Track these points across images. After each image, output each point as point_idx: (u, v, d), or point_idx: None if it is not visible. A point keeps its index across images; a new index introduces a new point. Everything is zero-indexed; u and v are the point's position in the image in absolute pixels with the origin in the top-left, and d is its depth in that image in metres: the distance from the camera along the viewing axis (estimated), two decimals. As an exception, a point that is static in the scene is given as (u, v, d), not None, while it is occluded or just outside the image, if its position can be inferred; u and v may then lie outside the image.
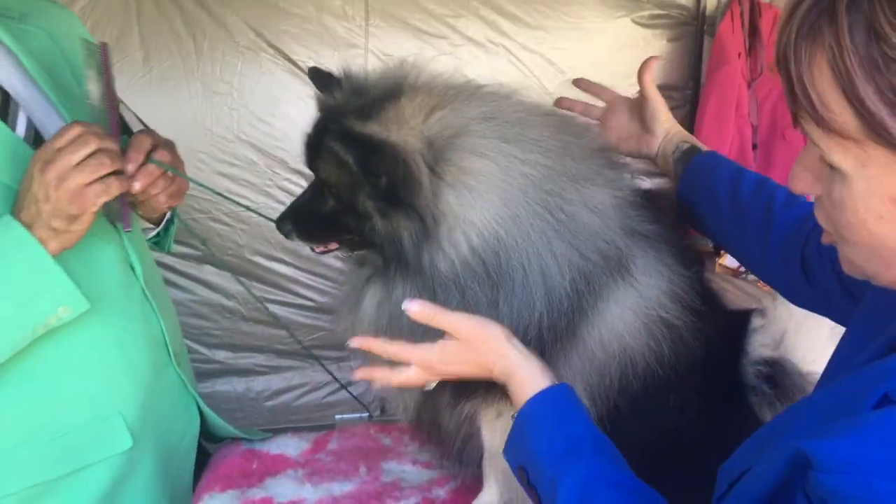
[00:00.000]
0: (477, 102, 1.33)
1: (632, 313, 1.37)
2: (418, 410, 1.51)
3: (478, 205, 1.26)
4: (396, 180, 1.26)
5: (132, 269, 1.51)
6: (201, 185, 1.63)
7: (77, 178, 1.22)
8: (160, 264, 3.28)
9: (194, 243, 3.37)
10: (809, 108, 0.76)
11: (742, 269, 3.39)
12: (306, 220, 1.42)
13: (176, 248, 3.32)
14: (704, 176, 1.49)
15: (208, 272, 3.46)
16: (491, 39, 3.50)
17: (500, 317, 1.29)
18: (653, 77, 1.56)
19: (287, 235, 1.42)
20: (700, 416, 1.45)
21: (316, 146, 1.37)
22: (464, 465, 1.58)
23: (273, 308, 3.54)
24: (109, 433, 1.47)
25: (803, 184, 0.87)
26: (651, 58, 1.58)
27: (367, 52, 3.38)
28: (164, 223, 1.66)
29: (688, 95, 3.88)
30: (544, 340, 1.31)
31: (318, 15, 3.31)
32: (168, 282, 3.35)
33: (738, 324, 1.54)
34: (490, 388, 1.39)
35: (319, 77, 1.44)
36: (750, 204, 1.41)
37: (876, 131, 0.73)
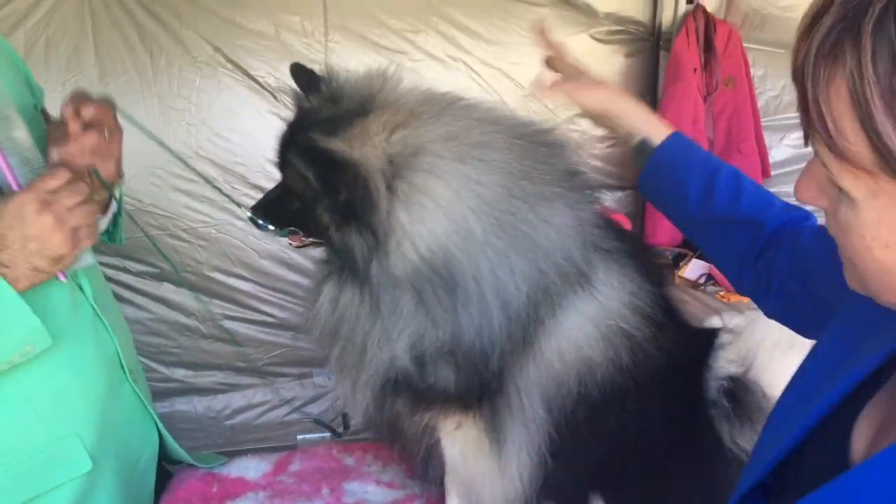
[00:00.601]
0: (444, 121, 1.35)
1: (591, 324, 1.40)
2: (376, 416, 1.53)
3: (427, 221, 1.29)
4: (355, 197, 1.28)
5: (80, 288, 1.48)
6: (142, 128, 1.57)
7: (72, 220, 1.24)
8: (116, 282, 3.26)
9: (152, 260, 3.32)
10: (823, 131, 0.70)
11: (701, 280, 3.43)
12: (277, 214, 1.50)
13: (133, 265, 3.31)
14: (668, 179, 1.36)
15: (166, 290, 3.41)
16: (450, 54, 3.51)
17: (461, 323, 1.32)
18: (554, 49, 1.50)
19: (260, 228, 1.51)
20: (659, 427, 1.47)
21: (284, 149, 1.42)
22: (429, 480, 1.58)
23: (232, 325, 3.51)
24: (67, 456, 1.43)
25: (808, 194, 0.81)
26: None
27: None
28: (110, 215, 1.62)
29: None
30: (503, 349, 1.34)
31: (277, 30, 3.29)
32: (125, 300, 3.31)
33: (703, 340, 1.56)
34: (448, 400, 1.40)
35: (301, 75, 1.47)
36: (728, 211, 1.31)
37: (892, 166, 0.67)
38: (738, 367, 1.51)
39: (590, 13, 3.68)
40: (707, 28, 3.76)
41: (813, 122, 0.71)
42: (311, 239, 1.51)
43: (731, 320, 2.60)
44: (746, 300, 3.35)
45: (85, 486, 1.46)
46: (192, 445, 3.47)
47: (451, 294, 1.31)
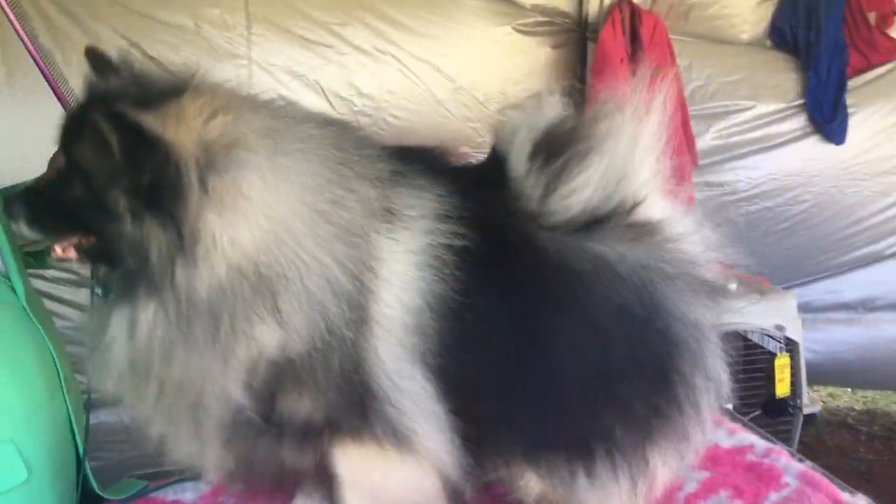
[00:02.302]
0: (263, 114, 1.27)
1: (414, 257, 1.30)
2: (240, 468, 1.34)
3: (241, 226, 1.18)
4: (162, 182, 1.15)
5: (13, 290, 1.44)
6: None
7: None
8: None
9: (68, 266, 3.16)
10: None
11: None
12: (44, 206, 1.26)
13: (48, 272, 3.14)
14: None
15: (85, 296, 3.25)
16: (378, 47, 3.45)
17: (291, 324, 1.20)
18: None
19: (14, 220, 1.27)
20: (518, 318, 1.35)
21: (77, 124, 1.23)
22: None
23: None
24: (1, 463, 1.34)
25: None
26: None
27: (250, 63, 3.26)
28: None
29: (574, 102, 3.92)
30: (345, 337, 1.23)
31: (196, 25, 3.18)
32: (43, 309, 3.15)
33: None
34: (338, 425, 1.30)
35: (96, 59, 1.31)
36: None
37: None
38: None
39: (517, 5, 3.67)
40: (633, 18, 3.79)
41: None
42: (86, 242, 1.26)
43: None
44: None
45: (22, 499, 1.37)
46: (121, 458, 3.35)
47: (275, 299, 1.19)
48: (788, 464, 1.73)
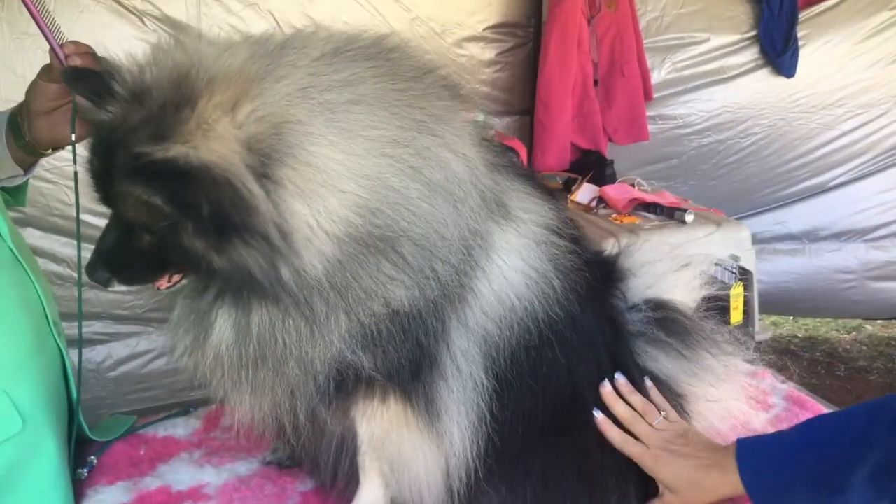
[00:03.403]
0: (285, 72, 1.11)
1: (521, 259, 1.29)
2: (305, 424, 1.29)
3: (333, 199, 1.08)
4: (224, 206, 1.03)
5: None
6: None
7: None
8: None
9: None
10: None
11: (593, 204, 3.46)
12: (125, 263, 1.17)
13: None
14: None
15: (32, 236, 3.12)
16: (333, -24, 3.33)
17: (406, 287, 1.15)
18: None
19: (106, 284, 1.18)
20: (589, 356, 1.39)
21: (107, 184, 1.11)
22: (337, 489, 1.42)
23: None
24: None
25: None
26: None
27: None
28: (29, 175, 1.47)
29: (531, 33, 3.88)
30: (450, 289, 1.20)
31: (143, -51, 3.00)
32: (-16, 249, 3.01)
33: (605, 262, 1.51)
34: (371, 381, 1.25)
35: (81, 81, 1.17)
36: None
37: None
38: (649, 289, 1.47)
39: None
40: (590, -52, 3.73)
41: None
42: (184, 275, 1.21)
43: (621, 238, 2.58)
44: (638, 220, 3.43)
45: (19, 448, 1.30)
46: (89, 397, 3.26)
47: (388, 260, 1.13)
48: (774, 385, 1.78)
